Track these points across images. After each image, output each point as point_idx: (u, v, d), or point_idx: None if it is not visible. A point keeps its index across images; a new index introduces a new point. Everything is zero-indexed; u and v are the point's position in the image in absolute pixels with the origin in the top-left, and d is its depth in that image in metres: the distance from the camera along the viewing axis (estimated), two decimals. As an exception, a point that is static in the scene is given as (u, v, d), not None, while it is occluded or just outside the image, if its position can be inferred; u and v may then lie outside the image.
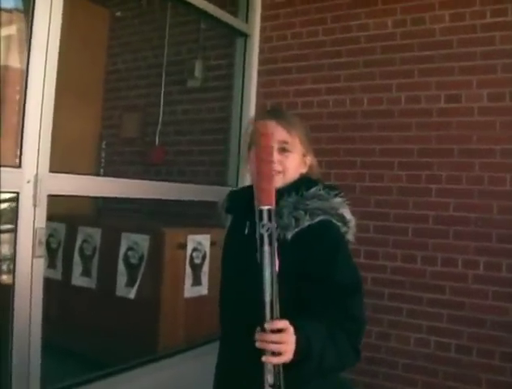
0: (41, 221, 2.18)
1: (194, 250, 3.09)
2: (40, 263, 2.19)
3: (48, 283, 3.27)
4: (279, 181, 1.52)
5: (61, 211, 3.53)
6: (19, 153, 2.13)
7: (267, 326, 1.19)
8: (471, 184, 2.74)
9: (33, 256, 2.14)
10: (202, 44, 3.58)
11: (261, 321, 1.20)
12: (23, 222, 2.11)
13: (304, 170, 1.62)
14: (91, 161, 3.83)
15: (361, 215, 2.94)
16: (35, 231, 2.15)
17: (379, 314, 2.91)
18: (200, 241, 3.11)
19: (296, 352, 1.23)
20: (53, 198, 3.30)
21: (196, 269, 3.09)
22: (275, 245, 1.22)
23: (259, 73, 3.38)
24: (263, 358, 1.20)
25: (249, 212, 1.55)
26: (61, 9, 2.24)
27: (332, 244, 1.45)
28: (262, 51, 3.38)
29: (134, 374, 2.64)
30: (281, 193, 1.48)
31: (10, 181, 2.05)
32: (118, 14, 3.79)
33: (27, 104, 2.13)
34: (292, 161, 1.55)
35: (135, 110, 3.80)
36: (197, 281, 3.10)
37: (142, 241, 3.03)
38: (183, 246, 3.02)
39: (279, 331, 1.20)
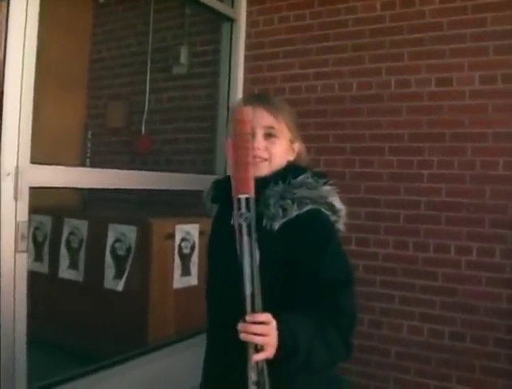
0: (23, 215, 2.12)
1: (183, 239, 3.04)
2: (23, 258, 2.13)
3: (35, 276, 3.26)
4: (265, 169, 1.46)
5: (47, 203, 3.49)
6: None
7: (248, 318, 1.14)
8: (463, 169, 2.70)
9: (16, 251, 2.08)
10: (187, 30, 3.50)
11: (244, 314, 1.15)
12: (4, 216, 2.05)
13: (291, 157, 1.55)
14: (77, 152, 3.75)
15: (352, 202, 2.92)
16: (17, 225, 2.09)
17: (371, 301, 2.88)
18: (189, 231, 3.06)
19: (280, 348, 1.18)
20: (37, 191, 3.25)
21: (185, 259, 3.04)
22: (255, 235, 1.16)
23: (246, 58, 3.31)
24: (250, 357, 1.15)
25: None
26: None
27: (321, 234, 1.39)
28: (248, 36, 3.30)
29: (124, 368, 2.60)
30: (267, 181, 1.43)
31: (-11, 173, 1.99)
32: (102, 0, 3.69)
33: (4, 95, 2.06)
34: (278, 147, 1.48)
35: (120, 99, 3.72)
36: (186, 271, 3.05)
37: (130, 233, 2.98)
38: (171, 236, 2.97)
39: (262, 324, 1.15)
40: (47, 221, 3.27)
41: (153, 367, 2.69)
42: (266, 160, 1.47)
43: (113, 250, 3.01)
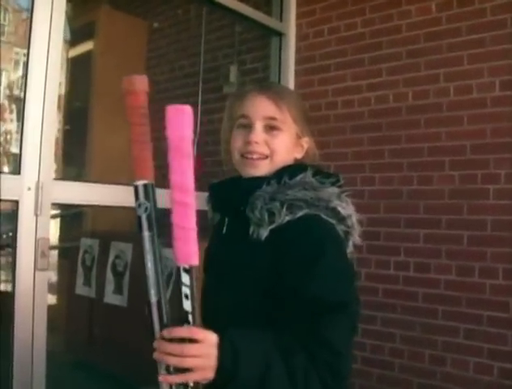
0: (44, 231, 2.04)
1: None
2: (44, 277, 2.04)
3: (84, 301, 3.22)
4: (265, 168, 1.26)
5: (100, 225, 3.47)
6: (18, 159, 2.03)
7: (166, 333, 0.93)
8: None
9: (35, 269, 2.00)
10: (237, 48, 3.41)
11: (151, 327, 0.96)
12: (23, 232, 1.98)
13: (299, 155, 1.34)
14: (132, 174, 3.72)
15: (409, 223, 2.67)
16: (37, 242, 2.01)
17: (433, 334, 2.55)
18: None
19: (217, 370, 0.96)
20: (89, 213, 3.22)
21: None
22: (156, 228, 0.95)
23: (296, 73, 3.14)
24: (160, 377, 0.95)
25: (228, 208, 1.32)
26: (63, 14, 2.13)
27: (314, 246, 1.13)
28: (298, 50, 3.15)
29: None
30: (262, 182, 1.23)
31: (9, 188, 1.93)
32: (156, 25, 3.70)
33: (26, 109, 2.01)
34: (281, 142, 1.26)
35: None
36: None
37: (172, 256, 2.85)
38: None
39: (191, 341, 0.94)
40: (95, 244, 3.23)
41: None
42: (266, 156, 1.25)
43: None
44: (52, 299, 3.33)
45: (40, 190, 2.01)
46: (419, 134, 2.69)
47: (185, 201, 0.96)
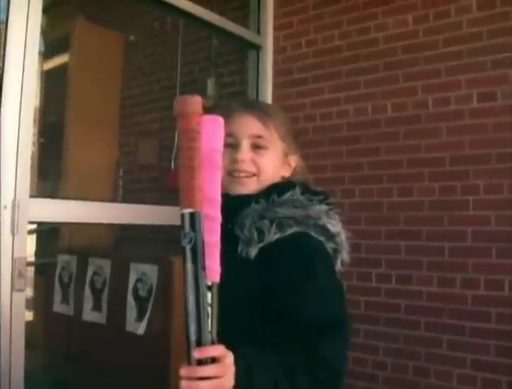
0: (22, 250, 1.98)
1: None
2: (21, 297, 1.98)
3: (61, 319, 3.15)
4: (252, 186, 1.25)
5: (77, 242, 3.41)
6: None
7: (195, 354, 0.87)
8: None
9: (12, 290, 1.94)
10: (214, 61, 3.39)
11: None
12: (0, 251, 1.93)
13: (287, 173, 1.34)
14: (109, 189, 3.67)
15: (390, 235, 2.68)
16: (14, 261, 1.95)
17: (415, 346, 2.55)
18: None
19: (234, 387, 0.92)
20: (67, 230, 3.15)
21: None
22: (202, 261, 0.89)
23: (274, 86, 3.14)
24: None
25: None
26: (38, 27, 2.08)
27: (305, 265, 1.13)
28: (275, 63, 3.14)
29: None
30: (249, 199, 1.22)
31: (-16, 207, 1.87)
32: (132, 38, 3.67)
33: (1, 125, 1.96)
34: (268, 160, 1.26)
35: (151, 135, 3.63)
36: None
37: (151, 272, 2.81)
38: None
39: (213, 360, 0.89)
40: (73, 261, 3.17)
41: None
42: (253, 174, 1.25)
43: (135, 291, 2.84)
44: (29, 316, 3.26)
45: (16, 209, 1.95)
46: (398, 146, 2.70)
47: (213, 215, 0.94)
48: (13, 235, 1.94)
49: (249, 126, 1.26)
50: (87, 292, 3.01)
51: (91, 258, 3.06)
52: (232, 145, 1.26)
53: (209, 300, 0.91)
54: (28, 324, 2.97)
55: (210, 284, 0.92)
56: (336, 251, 1.24)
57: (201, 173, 0.92)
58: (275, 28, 3.15)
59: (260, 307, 1.11)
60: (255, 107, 1.31)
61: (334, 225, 1.22)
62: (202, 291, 0.89)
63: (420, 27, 2.64)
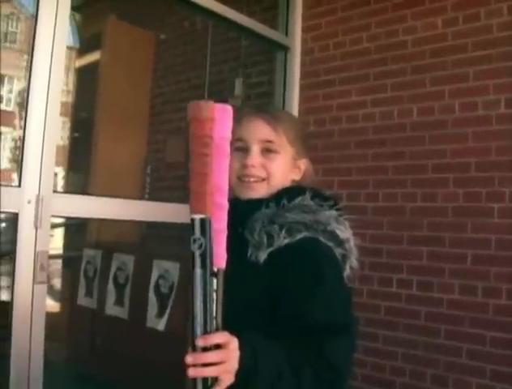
0: (44, 244, 2.03)
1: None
2: (43, 290, 2.03)
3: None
4: (262, 190, 1.26)
5: (103, 237, 3.48)
6: (18, 172, 2.03)
7: (200, 342, 0.90)
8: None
9: (34, 282, 2.00)
10: (242, 61, 3.41)
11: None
12: (23, 245, 1.97)
13: (297, 177, 1.34)
14: (137, 186, 3.73)
15: (413, 241, 2.64)
16: (36, 255, 2.00)
17: (434, 354, 2.52)
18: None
19: (239, 372, 0.95)
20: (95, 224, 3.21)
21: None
22: (211, 267, 0.91)
23: (301, 87, 3.13)
24: None
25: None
26: (67, 22, 2.13)
27: (313, 270, 1.13)
28: (303, 64, 3.14)
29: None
30: (260, 204, 1.23)
31: (9, 201, 1.92)
32: (163, 36, 3.72)
33: (28, 120, 2.01)
34: (278, 165, 1.27)
35: (179, 134, 3.67)
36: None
37: (173, 269, 2.84)
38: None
39: (217, 347, 0.92)
40: (98, 255, 3.23)
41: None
42: (263, 179, 1.25)
43: (157, 287, 2.88)
44: (55, 308, 3.34)
45: (40, 203, 2.00)
46: (423, 150, 2.66)
47: (221, 202, 0.96)
48: (36, 229, 2.00)
49: (259, 130, 1.27)
50: (111, 286, 3.07)
51: (116, 253, 3.12)
52: (242, 149, 1.27)
53: (214, 286, 0.93)
54: (53, 316, 3.06)
55: (216, 270, 0.94)
56: (345, 257, 1.24)
57: (211, 160, 0.94)
58: (303, 30, 3.15)
59: (269, 311, 1.12)
60: (265, 111, 1.32)
61: (344, 231, 1.22)
62: (209, 297, 0.91)
63: (449, 31, 2.61)
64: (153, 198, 3.71)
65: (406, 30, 2.75)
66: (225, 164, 0.97)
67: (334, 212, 1.23)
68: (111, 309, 3.05)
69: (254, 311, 1.15)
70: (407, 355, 2.60)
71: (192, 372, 0.90)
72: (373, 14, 2.86)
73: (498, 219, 2.42)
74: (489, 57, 2.48)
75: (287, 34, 3.16)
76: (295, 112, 3.11)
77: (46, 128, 2.04)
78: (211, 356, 0.90)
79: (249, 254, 1.17)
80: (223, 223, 0.96)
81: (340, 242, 1.21)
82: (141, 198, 3.62)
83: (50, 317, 2.66)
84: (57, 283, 3.38)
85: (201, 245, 0.91)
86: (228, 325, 1.19)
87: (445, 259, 2.55)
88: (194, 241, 0.92)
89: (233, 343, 0.94)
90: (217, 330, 0.92)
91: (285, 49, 3.17)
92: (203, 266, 0.91)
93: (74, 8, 3.26)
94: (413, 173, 2.69)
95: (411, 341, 2.59)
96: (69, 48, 3.35)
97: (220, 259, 0.95)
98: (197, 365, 0.90)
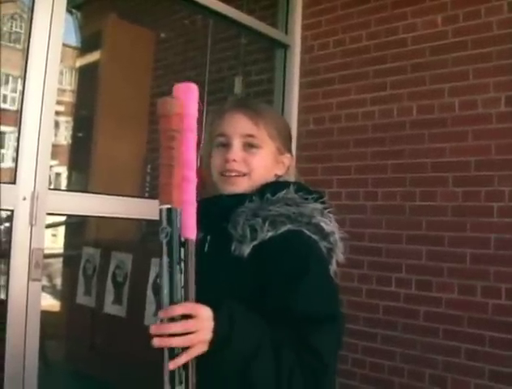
0: (39, 241, 2.03)
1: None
2: (37, 288, 2.03)
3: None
4: (243, 185, 1.25)
5: (102, 235, 3.47)
6: (14, 169, 2.02)
7: (162, 314, 0.93)
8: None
9: (29, 279, 1.99)
10: (242, 59, 3.39)
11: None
12: (18, 242, 1.97)
13: (280, 172, 1.32)
14: (137, 185, 3.72)
15: (412, 240, 2.63)
16: (31, 252, 2.00)
17: (432, 354, 2.50)
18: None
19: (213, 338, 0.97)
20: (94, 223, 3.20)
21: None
22: (177, 255, 0.95)
23: (301, 85, 3.12)
24: (170, 365, 0.92)
25: (210, 225, 1.30)
26: (62, 17, 2.12)
27: (298, 263, 1.12)
28: (303, 62, 3.13)
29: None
30: (243, 198, 1.21)
31: (4, 197, 1.92)
32: (163, 35, 3.71)
33: (23, 118, 2.01)
34: (260, 160, 1.25)
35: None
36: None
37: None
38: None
39: (186, 317, 0.93)
40: (97, 254, 3.23)
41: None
42: (245, 174, 1.24)
43: (155, 286, 2.87)
44: (54, 306, 3.33)
45: (35, 200, 2.00)
46: (423, 149, 2.65)
47: (188, 175, 0.99)
48: (31, 226, 1.99)
49: (240, 125, 1.26)
50: (109, 285, 3.06)
51: (114, 252, 3.11)
52: (223, 144, 1.26)
53: (182, 256, 0.96)
54: (51, 314, 3.05)
55: (183, 240, 0.97)
56: (331, 251, 1.23)
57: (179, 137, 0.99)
58: (303, 28, 3.14)
59: (254, 305, 1.11)
60: (246, 106, 1.30)
61: (328, 224, 1.21)
62: (175, 284, 0.94)
63: (449, 28, 2.59)
64: (153, 196, 3.70)
65: (406, 28, 2.73)
66: (192, 139, 1.01)
67: (318, 205, 1.22)
68: (109, 307, 3.04)
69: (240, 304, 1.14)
70: (405, 355, 2.58)
71: (157, 342, 0.92)
72: (373, 11, 2.84)
73: (498, 218, 2.40)
74: (489, 55, 2.47)
75: (286, 32, 3.15)
76: (294, 110, 3.11)
77: (42, 125, 2.04)
78: (174, 326, 0.92)
79: (232, 249, 1.16)
80: (191, 195, 1.00)
81: (325, 235, 1.20)
82: (141, 196, 3.61)
83: (49, 315, 2.66)
84: (57, 281, 3.36)
85: (167, 234, 0.95)
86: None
87: (444, 259, 2.53)
88: (162, 230, 0.95)
89: (205, 312, 0.96)
90: (186, 300, 0.95)
91: (285, 47, 3.16)
92: (170, 254, 0.95)
93: (74, 7, 3.26)
94: (412, 171, 2.68)
95: (409, 341, 2.57)
96: (68, 46, 3.34)
97: (189, 230, 0.99)
98: (163, 335, 0.92)
